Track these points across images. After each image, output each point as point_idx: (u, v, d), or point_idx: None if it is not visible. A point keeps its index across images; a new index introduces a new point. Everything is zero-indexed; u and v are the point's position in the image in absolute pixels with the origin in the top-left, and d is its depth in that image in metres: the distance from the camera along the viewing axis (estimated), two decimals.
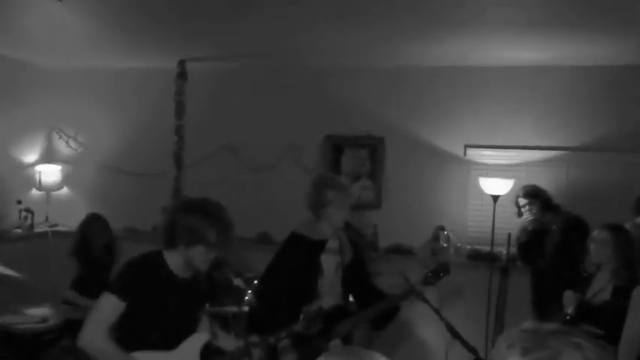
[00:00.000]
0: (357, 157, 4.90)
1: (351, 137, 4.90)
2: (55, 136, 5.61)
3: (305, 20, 3.56)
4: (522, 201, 4.01)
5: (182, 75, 5.13)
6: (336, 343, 2.78)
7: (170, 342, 2.31)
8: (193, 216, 2.20)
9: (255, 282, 4.29)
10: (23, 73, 5.20)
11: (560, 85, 4.48)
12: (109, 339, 2.16)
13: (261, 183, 5.08)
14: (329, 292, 2.88)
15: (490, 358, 1.20)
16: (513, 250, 4.24)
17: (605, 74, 4.35)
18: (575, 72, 4.42)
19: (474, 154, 4.64)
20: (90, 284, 4.09)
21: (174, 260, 2.27)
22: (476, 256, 4.54)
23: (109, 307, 2.17)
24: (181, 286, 2.30)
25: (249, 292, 2.94)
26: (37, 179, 5.36)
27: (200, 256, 2.23)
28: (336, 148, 4.95)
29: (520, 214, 4.06)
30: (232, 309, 3.91)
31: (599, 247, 2.90)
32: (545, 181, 4.25)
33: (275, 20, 3.56)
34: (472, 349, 2.40)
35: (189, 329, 2.39)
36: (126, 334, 2.23)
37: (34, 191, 5.40)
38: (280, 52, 4.56)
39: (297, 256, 2.80)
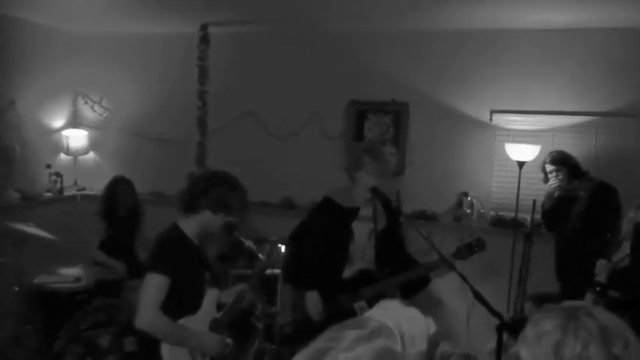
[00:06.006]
0: (381, 123, 4.87)
1: (375, 103, 4.85)
2: (81, 101, 5.68)
3: None
4: (549, 167, 3.95)
5: (204, 40, 5.09)
6: (361, 304, 2.83)
7: (198, 304, 2.46)
8: (223, 186, 2.43)
9: (280, 245, 4.36)
10: (48, 38, 5.22)
11: (589, 49, 4.34)
12: (164, 316, 2.26)
13: (284, 149, 5.10)
14: (360, 257, 2.91)
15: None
16: (538, 216, 4.20)
17: (636, 37, 4.19)
18: (606, 34, 4.27)
19: (500, 119, 4.56)
20: (117, 245, 4.23)
21: (189, 228, 2.43)
22: (499, 222, 4.52)
23: (157, 285, 2.27)
24: (200, 252, 2.52)
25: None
26: (65, 144, 5.46)
27: (217, 222, 2.44)
28: (359, 113, 4.92)
29: (546, 181, 4.00)
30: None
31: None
32: (573, 148, 4.17)
33: None
34: (497, 314, 2.41)
35: (205, 289, 2.54)
36: (168, 305, 2.32)
37: (62, 156, 5.51)
38: (303, 16, 4.49)
39: (329, 221, 2.83)
